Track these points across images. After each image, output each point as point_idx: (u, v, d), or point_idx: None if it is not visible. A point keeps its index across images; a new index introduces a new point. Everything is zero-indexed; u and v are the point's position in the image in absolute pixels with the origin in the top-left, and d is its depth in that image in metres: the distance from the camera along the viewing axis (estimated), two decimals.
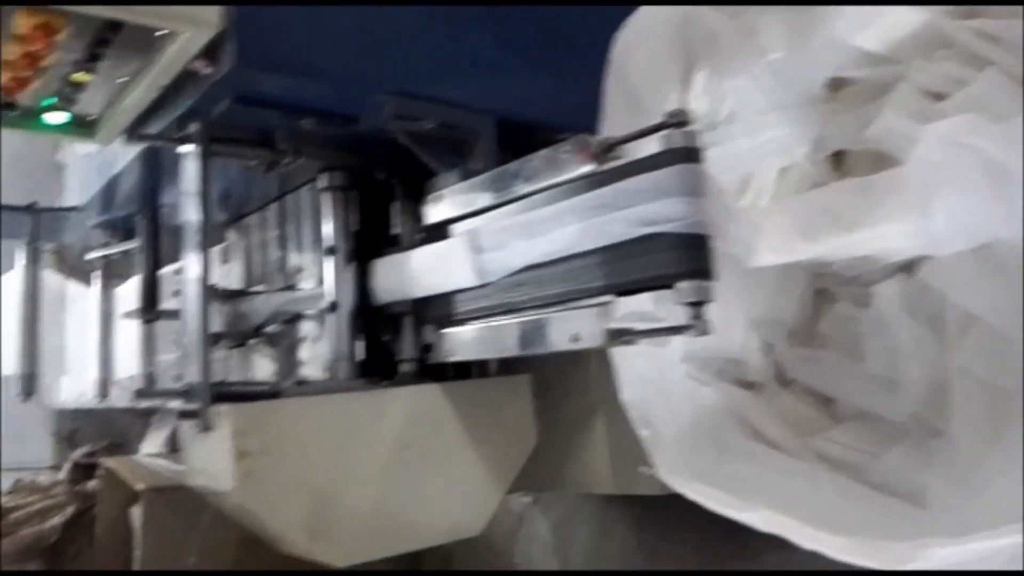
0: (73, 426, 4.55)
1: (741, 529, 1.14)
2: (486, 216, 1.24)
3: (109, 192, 1.90)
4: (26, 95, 1.39)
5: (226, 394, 1.29)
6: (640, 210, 0.99)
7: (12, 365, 1.99)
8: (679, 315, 1.01)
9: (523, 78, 1.41)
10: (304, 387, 1.40)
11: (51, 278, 2.03)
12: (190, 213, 1.34)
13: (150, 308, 1.88)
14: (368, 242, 1.50)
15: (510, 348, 1.24)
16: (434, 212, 1.38)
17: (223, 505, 1.31)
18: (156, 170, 1.81)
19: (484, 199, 1.27)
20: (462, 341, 1.33)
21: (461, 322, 1.34)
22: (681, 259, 0.99)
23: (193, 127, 1.34)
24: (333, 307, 1.45)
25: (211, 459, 1.25)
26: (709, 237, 0.99)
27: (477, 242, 1.21)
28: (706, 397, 1.42)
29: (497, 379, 1.48)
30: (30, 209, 1.98)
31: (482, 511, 1.43)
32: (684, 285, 0.99)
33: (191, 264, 1.32)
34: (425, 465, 1.36)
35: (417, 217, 1.47)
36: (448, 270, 1.25)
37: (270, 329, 1.86)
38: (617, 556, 2.28)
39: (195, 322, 1.29)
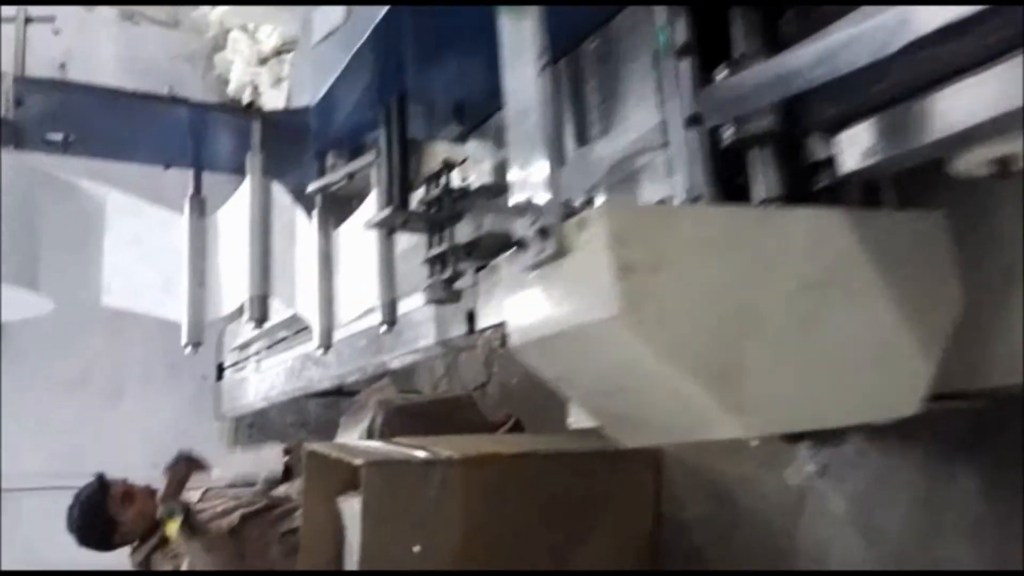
0: (248, 442, 4.38)
1: None
2: None
3: (344, 85, 1.64)
4: None
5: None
6: None
7: (240, 295, 1.73)
8: None
9: None
10: None
11: (281, 198, 1.78)
12: None
13: (402, 208, 1.58)
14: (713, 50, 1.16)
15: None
16: None
17: (584, 357, 0.95)
18: (402, 44, 1.55)
19: None
20: (883, 133, 0.96)
21: (878, 108, 0.98)
22: None
23: None
24: (693, 121, 1.10)
25: (575, 285, 0.90)
26: None
27: None
28: None
29: (909, 213, 1.09)
30: (254, 112, 1.74)
31: (914, 384, 1.03)
32: None
33: (525, 49, 1.00)
34: (839, 312, 0.98)
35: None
36: None
37: None
38: (956, 528, 1.81)
39: (538, 113, 0.97)
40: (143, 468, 4.04)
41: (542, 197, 0.95)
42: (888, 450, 1.95)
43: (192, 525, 2.58)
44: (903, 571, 1.86)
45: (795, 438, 2.17)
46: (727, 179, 1.10)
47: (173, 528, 2.54)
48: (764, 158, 1.09)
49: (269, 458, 2.98)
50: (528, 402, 3.20)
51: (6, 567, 3.96)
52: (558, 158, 0.95)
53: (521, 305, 0.99)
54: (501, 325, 1.84)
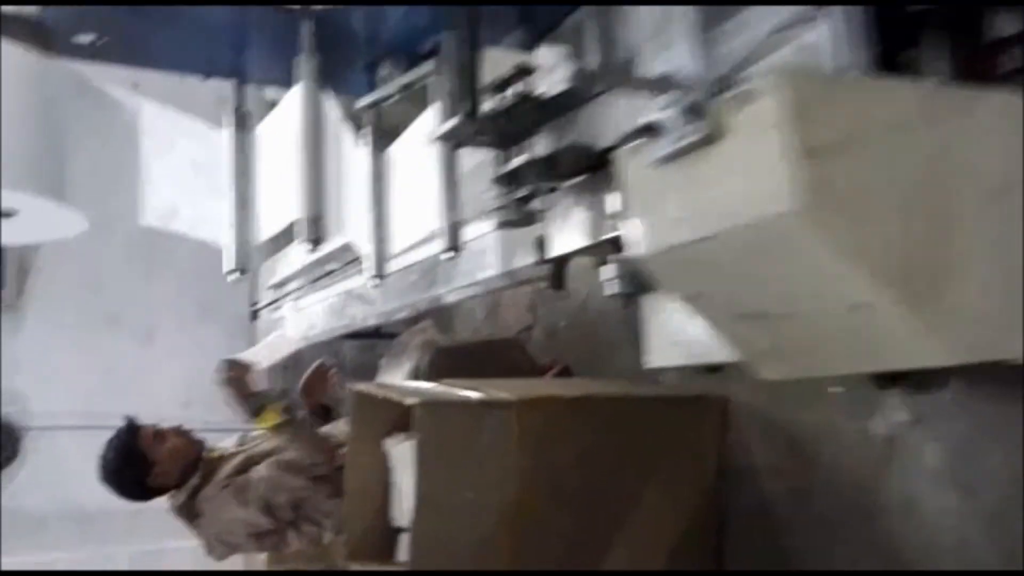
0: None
1: None
2: None
3: None
4: None
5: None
6: None
7: (281, 218, 1.56)
8: None
9: None
10: None
11: (331, 110, 1.60)
12: None
13: (472, 118, 1.39)
14: None
15: None
16: None
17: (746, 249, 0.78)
18: None
19: None
20: None
21: None
22: None
23: None
24: None
25: (733, 176, 0.72)
26: None
27: None
28: None
29: None
30: (305, 11, 1.56)
31: None
32: None
33: None
34: None
35: None
36: None
37: None
38: None
39: None
40: (174, 408, 3.96)
41: (688, 69, 0.77)
42: (993, 397, 1.77)
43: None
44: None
45: (887, 383, 2.00)
46: (889, 58, 0.91)
47: (275, 413, 2.47)
48: (936, 35, 0.90)
49: (285, 345, 2.88)
50: (575, 347, 3.04)
51: (40, 506, 3.91)
52: (711, 21, 0.77)
53: (653, 205, 0.82)
54: (574, 253, 1.67)
